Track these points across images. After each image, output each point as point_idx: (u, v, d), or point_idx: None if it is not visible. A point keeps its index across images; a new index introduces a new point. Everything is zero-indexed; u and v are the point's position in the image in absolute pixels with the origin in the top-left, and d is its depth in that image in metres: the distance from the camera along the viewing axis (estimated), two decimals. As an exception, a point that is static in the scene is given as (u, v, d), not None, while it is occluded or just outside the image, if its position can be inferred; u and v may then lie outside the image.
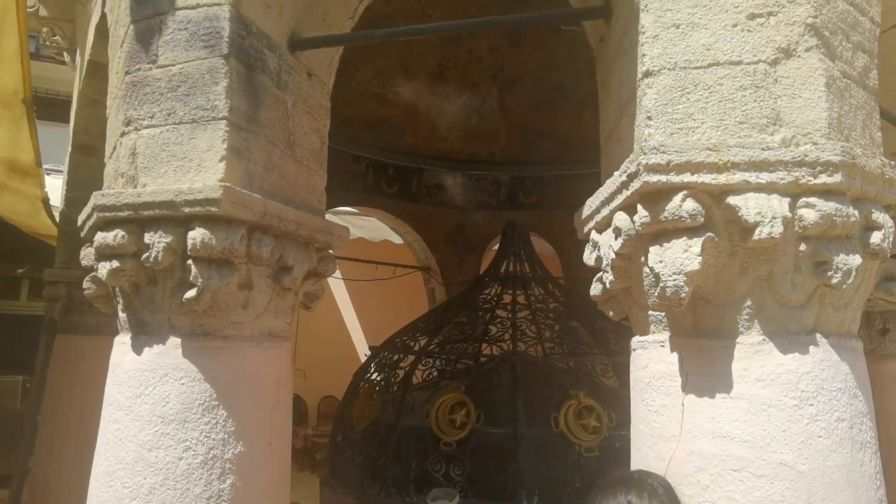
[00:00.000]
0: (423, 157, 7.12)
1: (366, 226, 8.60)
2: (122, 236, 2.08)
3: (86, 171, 4.38)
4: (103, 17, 3.42)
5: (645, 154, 1.65)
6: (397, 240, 8.54)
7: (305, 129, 2.59)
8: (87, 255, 2.38)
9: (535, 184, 7.15)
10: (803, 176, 1.63)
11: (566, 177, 7.11)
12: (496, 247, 8.21)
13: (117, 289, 2.26)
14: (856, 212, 1.66)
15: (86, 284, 2.46)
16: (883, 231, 1.72)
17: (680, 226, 1.65)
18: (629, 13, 2.00)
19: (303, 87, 2.59)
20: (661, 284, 1.66)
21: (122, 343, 2.25)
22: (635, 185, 1.70)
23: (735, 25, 1.78)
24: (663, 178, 1.64)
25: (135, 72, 2.27)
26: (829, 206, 1.63)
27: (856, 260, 1.66)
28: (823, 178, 1.63)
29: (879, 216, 1.72)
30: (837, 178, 1.62)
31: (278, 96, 2.41)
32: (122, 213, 2.09)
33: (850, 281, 1.66)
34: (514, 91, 7.02)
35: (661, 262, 1.67)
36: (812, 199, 1.63)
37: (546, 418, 3.65)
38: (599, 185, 2.49)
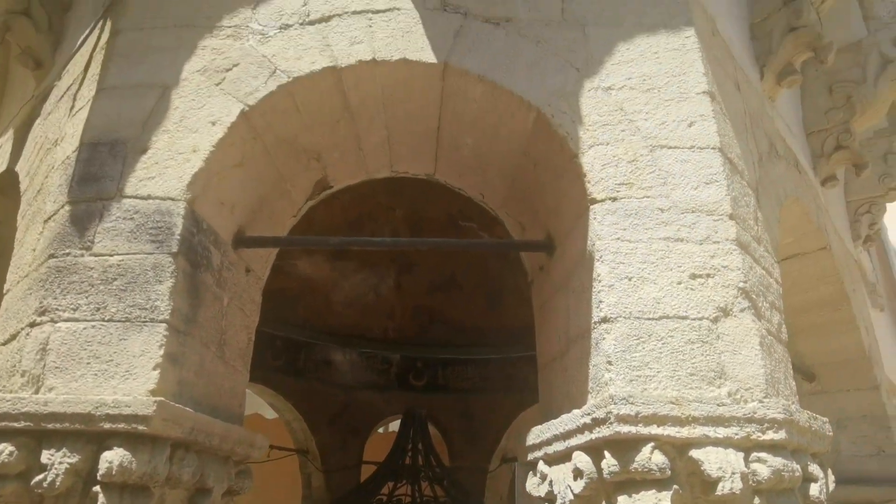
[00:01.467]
0: (314, 330, 6.92)
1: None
2: (11, 452, 1.73)
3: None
4: (8, 171, 3.17)
5: (615, 404, 1.70)
6: (270, 414, 7.95)
7: (237, 327, 2.44)
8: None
9: (426, 366, 7.12)
10: (754, 432, 1.75)
11: (457, 361, 7.19)
12: (381, 429, 7.92)
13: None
14: (798, 466, 1.78)
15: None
16: (819, 483, 1.85)
17: (648, 477, 1.67)
18: (578, 255, 2.17)
19: (240, 283, 2.48)
20: (632, 538, 1.64)
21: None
22: (603, 431, 1.73)
23: (679, 283, 1.98)
24: (633, 428, 1.69)
25: (62, 256, 2.06)
26: (778, 461, 1.74)
27: (803, 515, 1.75)
28: (771, 435, 1.75)
29: (815, 469, 1.87)
30: (782, 434, 1.76)
31: (217, 294, 2.27)
32: (16, 424, 1.76)
33: (801, 537, 1.73)
34: (411, 274, 7.22)
35: (631, 514, 1.66)
36: (763, 455, 1.74)
37: None
38: (538, 403, 2.53)
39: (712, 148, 2.17)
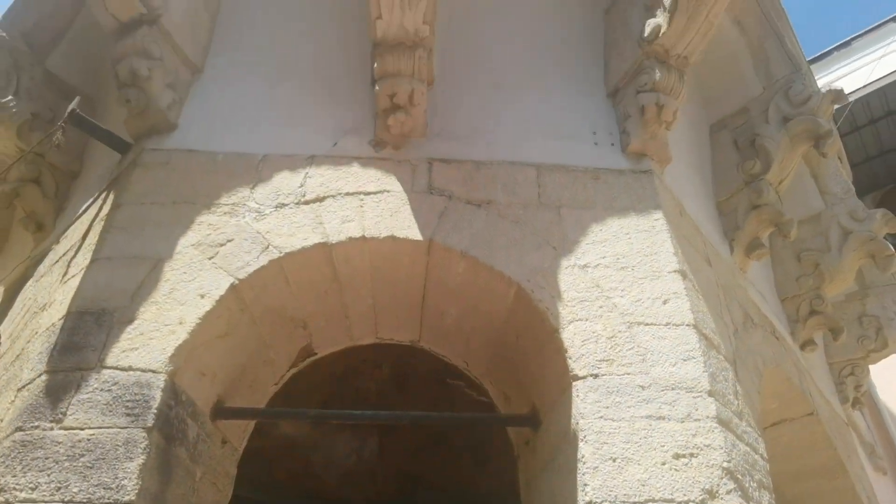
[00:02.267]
0: (291, 494, 6.54)
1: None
2: None
3: None
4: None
5: None
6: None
7: (207, 504, 2.31)
8: None
9: (410, 537, 6.64)
10: None
11: (443, 531, 6.72)
12: None
13: None
14: None
15: None
16: None
17: None
18: (562, 432, 2.14)
19: (214, 456, 2.39)
20: None
21: None
22: None
23: (664, 464, 1.94)
24: None
25: (30, 429, 2.00)
26: None
27: None
28: None
29: None
30: None
31: (189, 469, 2.19)
32: None
33: None
34: (395, 433, 6.98)
35: None
36: None
37: None
38: None
39: (687, 325, 2.24)
